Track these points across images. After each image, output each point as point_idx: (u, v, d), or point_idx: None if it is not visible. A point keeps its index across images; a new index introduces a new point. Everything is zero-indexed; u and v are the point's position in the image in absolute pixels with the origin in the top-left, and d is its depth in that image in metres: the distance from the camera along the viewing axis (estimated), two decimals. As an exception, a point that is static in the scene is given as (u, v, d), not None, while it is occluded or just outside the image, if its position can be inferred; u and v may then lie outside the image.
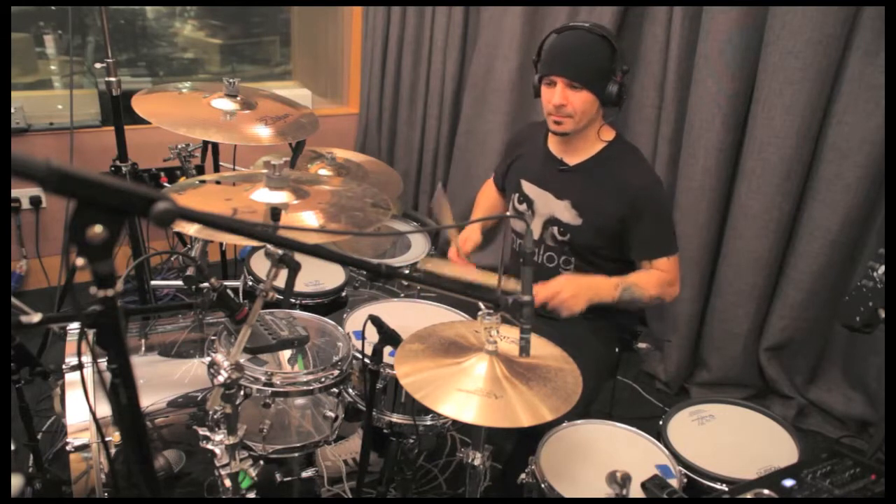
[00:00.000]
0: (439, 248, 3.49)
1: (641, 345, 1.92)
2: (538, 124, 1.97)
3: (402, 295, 2.32)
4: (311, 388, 1.47)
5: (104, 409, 1.46)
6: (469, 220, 1.99)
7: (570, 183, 1.80)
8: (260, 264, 2.09)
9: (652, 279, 1.76)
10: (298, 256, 1.14)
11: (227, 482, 1.31)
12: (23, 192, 2.85)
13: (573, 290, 1.65)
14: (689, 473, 1.43)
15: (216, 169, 2.48)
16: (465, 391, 1.23)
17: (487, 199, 2.16)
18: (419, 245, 2.43)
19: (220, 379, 1.23)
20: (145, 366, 1.71)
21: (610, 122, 1.80)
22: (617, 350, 1.89)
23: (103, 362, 1.20)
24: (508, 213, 1.90)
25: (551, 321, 1.89)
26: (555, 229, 1.82)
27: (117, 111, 2.17)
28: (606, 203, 1.74)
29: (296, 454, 1.54)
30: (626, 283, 1.73)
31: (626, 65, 1.69)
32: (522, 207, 1.88)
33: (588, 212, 1.77)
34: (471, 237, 1.98)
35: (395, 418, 1.59)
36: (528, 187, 1.87)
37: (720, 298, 2.54)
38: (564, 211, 1.79)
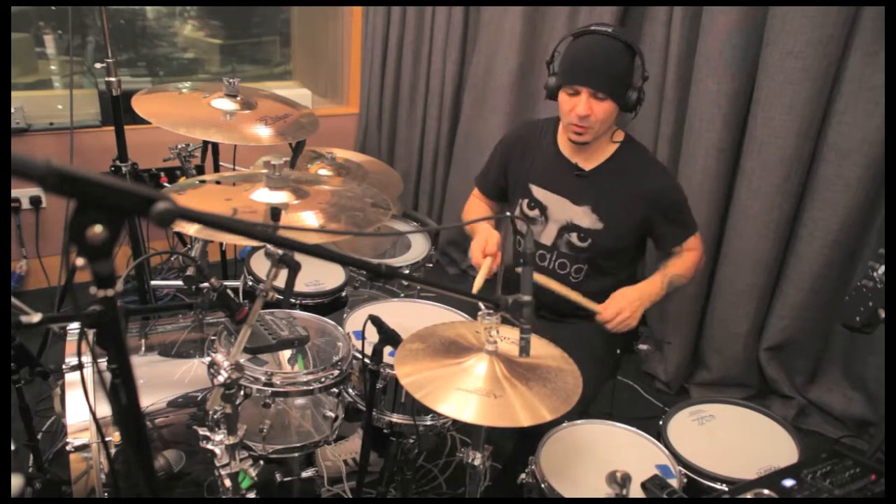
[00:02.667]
0: (439, 249, 3.50)
1: (642, 346, 1.92)
2: (535, 123, 1.94)
3: (402, 295, 2.32)
4: (311, 388, 1.47)
5: (104, 409, 1.46)
6: (469, 234, 1.90)
7: (589, 188, 1.78)
8: (260, 264, 2.09)
9: (688, 263, 1.82)
10: (298, 256, 1.14)
11: (227, 482, 1.31)
12: (23, 192, 2.85)
13: (632, 310, 1.69)
14: (689, 473, 1.43)
15: (216, 169, 2.48)
16: (464, 391, 1.23)
17: (479, 212, 2.07)
18: (419, 245, 2.43)
19: (220, 379, 1.23)
20: (145, 366, 1.71)
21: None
22: (618, 351, 1.89)
23: (103, 362, 1.20)
24: (510, 214, 1.88)
25: (551, 321, 1.89)
26: (573, 236, 1.80)
27: (117, 111, 2.16)
28: (627, 205, 1.75)
29: (296, 454, 1.54)
30: (668, 278, 1.77)
31: (647, 72, 1.70)
32: (535, 213, 1.86)
33: (609, 216, 1.76)
34: (493, 238, 1.74)
35: (395, 418, 1.59)
36: (539, 192, 1.85)
37: (720, 298, 2.54)
38: (584, 216, 1.78)
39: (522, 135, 1.95)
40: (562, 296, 1.72)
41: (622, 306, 1.68)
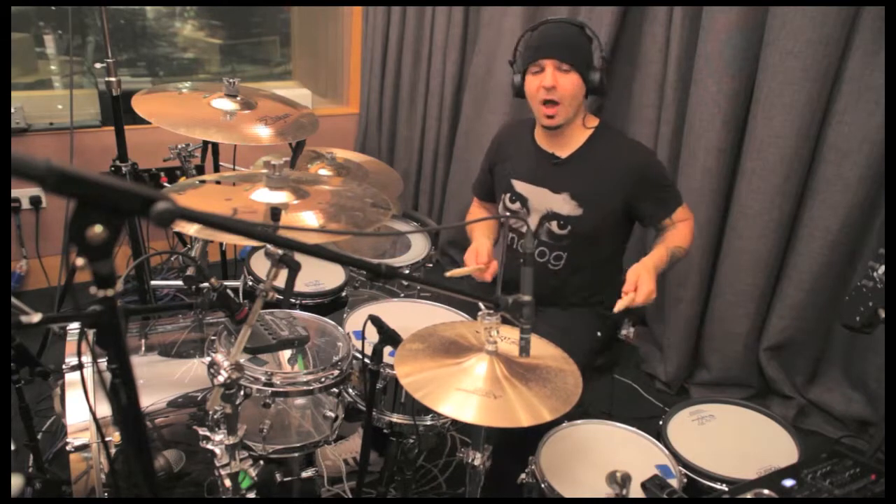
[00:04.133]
0: (439, 249, 3.49)
1: (625, 331, 1.91)
2: (516, 124, 1.98)
3: (402, 295, 2.32)
4: (311, 388, 1.47)
5: (104, 409, 1.46)
6: (469, 239, 1.93)
7: (566, 175, 1.81)
8: (260, 264, 2.09)
9: (685, 233, 1.80)
10: (298, 256, 1.14)
11: (227, 482, 1.31)
12: (23, 192, 2.85)
13: (650, 279, 1.61)
14: (689, 473, 1.43)
15: (216, 169, 2.48)
16: (464, 391, 1.23)
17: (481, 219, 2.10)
18: (419, 245, 2.43)
19: (220, 379, 1.23)
20: (145, 366, 1.71)
21: (600, 115, 1.83)
22: (598, 333, 1.87)
23: (103, 362, 1.20)
24: (505, 214, 1.89)
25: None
26: (553, 224, 1.82)
27: (117, 111, 2.17)
28: (606, 187, 1.77)
29: (296, 454, 1.54)
30: (670, 249, 1.75)
31: (605, 52, 1.76)
32: (516, 206, 1.89)
33: (588, 200, 1.78)
34: (485, 248, 1.81)
35: (395, 418, 1.59)
36: (520, 186, 1.88)
37: (720, 298, 2.54)
38: (564, 204, 1.80)
39: (503, 136, 2.01)
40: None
41: (648, 283, 1.59)
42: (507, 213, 1.91)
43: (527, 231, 1.29)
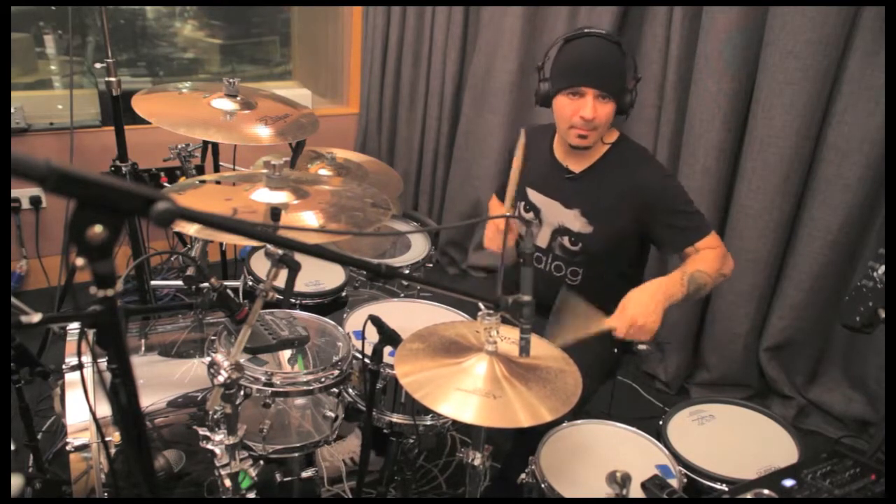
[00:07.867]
0: (439, 249, 3.49)
1: (641, 346, 1.91)
2: (540, 129, 1.95)
3: (402, 295, 2.32)
4: (311, 388, 1.47)
5: (104, 409, 1.46)
6: (474, 226, 1.92)
7: (579, 191, 1.77)
8: (260, 264, 2.09)
9: (709, 259, 1.66)
10: (298, 256, 1.14)
11: (227, 482, 1.31)
12: (23, 192, 2.85)
13: (649, 312, 1.54)
14: (689, 473, 1.43)
15: (216, 169, 2.48)
16: (464, 391, 1.23)
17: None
18: (419, 245, 2.43)
19: (220, 379, 1.23)
20: (145, 366, 1.71)
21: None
22: (616, 350, 1.88)
23: (103, 362, 1.20)
24: (510, 215, 1.88)
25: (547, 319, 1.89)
26: (565, 239, 1.79)
27: (117, 111, 2.17)
28: (617, 207, 1.72)
29: (296, 454, 1.54)
30: (689, 273, 1.63)
31: (640, 73, 1.68)
32: (529, 216, 1.85)
33: (599, 219, 1.74)
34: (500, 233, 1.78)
35: (395, 418, 1.59)
36: (534, 196, 1.84)
37: (720, 298, 2.54)
38: (574, 220, 1.77)
39: (531, 138, 1.94)
40: (586, 337, 1.55)
41: (634, 314, 1.55)
42: (514, 216, 1.88)
43: (526, 232, 1.29)
